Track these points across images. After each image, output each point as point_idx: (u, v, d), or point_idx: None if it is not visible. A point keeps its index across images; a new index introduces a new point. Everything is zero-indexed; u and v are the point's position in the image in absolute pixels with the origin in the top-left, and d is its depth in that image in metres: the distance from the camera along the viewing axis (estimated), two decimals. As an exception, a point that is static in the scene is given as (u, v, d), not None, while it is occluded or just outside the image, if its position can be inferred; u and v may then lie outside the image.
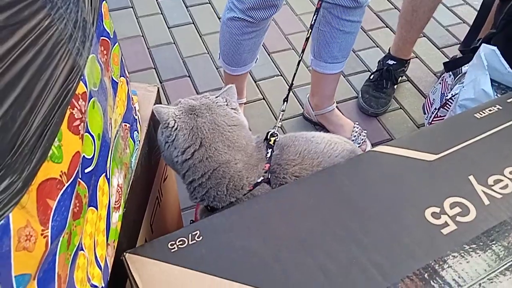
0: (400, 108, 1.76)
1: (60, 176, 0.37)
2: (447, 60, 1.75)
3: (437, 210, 0.72)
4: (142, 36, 2.04)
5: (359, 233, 0.69)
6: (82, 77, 0.42)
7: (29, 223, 0.33)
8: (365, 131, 1.60)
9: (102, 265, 0.51)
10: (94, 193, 0.48)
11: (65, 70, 0.38)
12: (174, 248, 0.66)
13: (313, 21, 1.05)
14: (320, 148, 0.86)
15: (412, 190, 0.75)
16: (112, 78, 0.55)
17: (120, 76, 0.60)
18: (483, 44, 1.16)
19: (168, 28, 2.07)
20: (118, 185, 0.58)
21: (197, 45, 2.00)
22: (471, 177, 0.77)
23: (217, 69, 1.89)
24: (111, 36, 0.54)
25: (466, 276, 0.63)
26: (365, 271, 0.64)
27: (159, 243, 0.67)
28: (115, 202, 0.57)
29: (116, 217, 0.58)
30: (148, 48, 1.98)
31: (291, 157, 0.83)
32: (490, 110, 0.90)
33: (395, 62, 1.73)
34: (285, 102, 0.99)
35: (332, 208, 0.73)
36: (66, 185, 0.38)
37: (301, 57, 1.05)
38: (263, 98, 1.77)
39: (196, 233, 0.69)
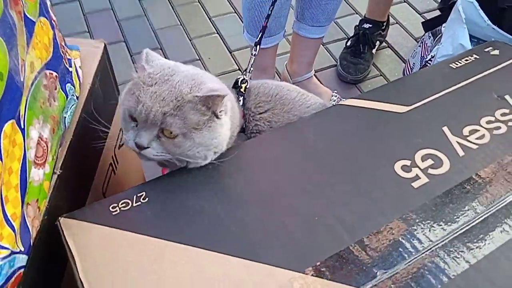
0: (380, 75, 1.70)
1: None
2: (428, 23, 1.68)
3: (408, 163, 0.66)
4: (112, 9, 1.94)
5: (324, 187, 0.62)
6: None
7: None
8: (344, 100, 1.53)
9: (16, 225, 0.44)
10: (-5, 139, 0.41)
11: None
12: (116, 210, 0.60)
13: None
14: (292, 95, 0.81)
15: (381, 143, 0.69)
16: (25, 14, 0.48)
17: (40, 16, 0.52)
18: (461, -3, 1.09)
19: (139, 0, 1.98)
20: (40, 138, 0.51)
21: (169, 17, 1.91)
22: (445, 128, 0.71)
23: (190, 40, 1.81)
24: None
25: (439, 231, 0.57)
26: (329, 227, 0.58)
27: (99, 205, 0.61)
28: (37, 157, 0.50)
29: (39, 174, 0.51)
30: (117, 21, 1.89)
31: (262, 98, 0.78)
32: (466, 60, 0.84)
33: (370, 25, 1.66)
34: (258, 46, 0.92)
35: (296, 163, 0.66)
36: None
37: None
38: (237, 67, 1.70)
39: (142, 195, 0.62)
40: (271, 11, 0.98)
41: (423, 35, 1.59)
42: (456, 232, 0.57)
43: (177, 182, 0.63)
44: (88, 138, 0.71)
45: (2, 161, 0.41)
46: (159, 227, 0.58)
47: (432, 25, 1.29)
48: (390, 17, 1.76)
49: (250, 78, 0.84)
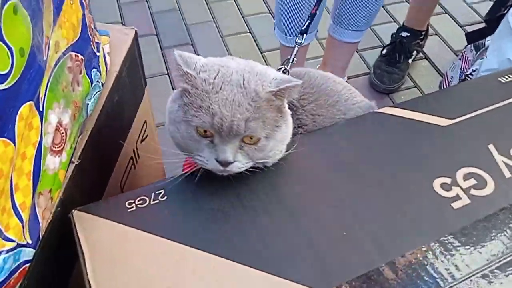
0: (415, 86, 1.63)
1: None
2: (470, 36, 1.60)
3: (448, 181, 0.60)
4: (146, 1, 1.94)
5: (355, 201, 0.58)
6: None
7: None
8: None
9: (24, 216, 0.41)
10: (9, 121, 0.38)
11: None
12: (132, 207, 0.56)
13: None
14: (338, 88, 0.73)
15: (420, 157, 0.64)
16: (54, -11, 0.45)
17: (69, -6, 0.49)
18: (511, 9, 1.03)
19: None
20: (59, 124, 0.48)
21: (202, 13, 1.89)
22: (490, 146, 0.65)
23: (222, 38, 1.78)
24: None
25: (479, 259, 0.52)
26: (358, 244, 0.53)
27: (115, 201, 0.57)
28: (54, 144, 0.47)
29: (55, 162, 0.48)
30: (151, 13, 1.88)
31: (306, 90, 0.70)
32: (517, 75, 0.78)
33: (408, 34, 1.60)
34: (304, 35, 0.85)
35: (326, 173, 0.62)
36: None
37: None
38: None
39: (161, 192, 0.58)
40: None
41: (464, 48, 1.53)
42: (499, 261, 0.52)
43: (200, 183, 0.59)
44: (110, 129, 0.68)
45: (15, 145, 0.38)
46: (176, 229, 0.54)
47: (476, 37, 1.23)
48: (429, 27, 1.70)
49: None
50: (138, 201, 0.57)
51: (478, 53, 1.37)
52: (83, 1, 0.54)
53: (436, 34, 1.82)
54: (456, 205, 0.58)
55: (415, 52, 1.65)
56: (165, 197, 0.58)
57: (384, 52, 1.64)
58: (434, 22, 1.84)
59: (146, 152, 0.86)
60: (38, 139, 0.43)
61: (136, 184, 0.81)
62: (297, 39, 0.84)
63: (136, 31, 0.76)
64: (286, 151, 0.60)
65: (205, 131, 0.53)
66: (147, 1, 1.93)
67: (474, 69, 1.31)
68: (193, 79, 0.53)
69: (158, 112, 1.49)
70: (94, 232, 0.53)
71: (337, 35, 1.38)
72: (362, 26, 1.34)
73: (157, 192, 0.58)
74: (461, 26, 1.86)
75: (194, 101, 0.53)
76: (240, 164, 0.54)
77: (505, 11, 1.09)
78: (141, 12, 1.88)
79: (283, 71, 0.72)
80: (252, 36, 1.79)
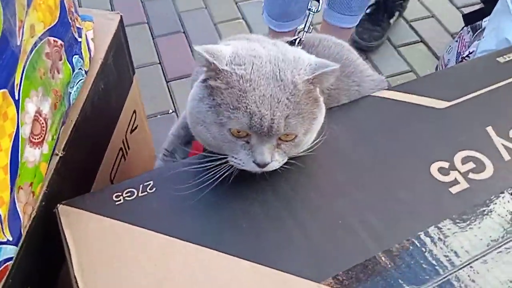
0: (411, 70, 1.61)
1: None
2: (466, 18, 1.58)
3: (446, 165, 0.59)
4: (136, -12, 1.89)
5: (349, 188, 0.56)
6: None
7: None
8: None
9: (2, 212, 0.39)
10: (-20, 111, 0.35)
11: None
12: (120, 200, 0.54)
13: None
14: (353, 57, 0.68)
15: (416, 141, 0.62)
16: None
17: (44, -25, 0.47)
18: (509, -13, 1.00)
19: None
20: (38, 113, 0.46)
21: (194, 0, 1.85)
22: (489, 128, 0.63)
23: (214, 25, 1.75)
24: None
25: (479, 244, 0.50)
26: (354, 232, 0.51)
27: (101, 194, 0.55)
28: (34, 134, 0.45)
29: (35, 154, 0.46)
30: (141, 1, 1.84)
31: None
32: (516, 54, 0.76)
33: None
34: (319, 1, 0.78)
35: (320, 159, 0.60)
36: None
37: None
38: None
39: (149, 184, 0.56)
40: None
41: (461, 30, 1.50)
42: (499, 246, 0.50)
43: (190, 173, 0.57)
44: (96, 119, 0.66)
45: (-13, 137, 0.36)
46: (165, 222, 0.52)
47: (473, 19, 1.20)
48: (425, 9, 1.68)
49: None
50: (126, 193, 0.55)
51: (475, 34, 1.35)
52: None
53: (432, 17, 1.78)
54: (454, 189, 0.56)
55: (397, 13, 1.69)
56: (154, 189, 0.56)
57: (368, 11, 1.65)
58: (431, 4, 1.81)
59: (137, 143, 0.84)
60: (15, 130, 0.41)
61: (127, 176, 0.78)
62: (311, 5, 0.78)
63: (121, 16, 0.73)
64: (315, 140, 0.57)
65: (239, 132, 0.49)
66: (137, -12, 1.89)
67: (471, 51, 1.28)
68: (229, 77, 0.48)
69: (150, 103, 1.47)
70: (80, 227, 0.51)
71: (332, 20, 1.36)
72: (356, 10, 1.32)
73: (145, 184, 0.56)
74: (458, 8, 1.83)
75: (228, 101, 0.48)
76: (276, 163, 0.52)
77: (503, -10, 1.06)
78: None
79: (297, 42, 0.66)
80: (245, 22, 1.76)
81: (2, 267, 0.41)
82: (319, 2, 0.78)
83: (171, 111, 1.44)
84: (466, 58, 1.30)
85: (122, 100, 0.77)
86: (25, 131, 0.43)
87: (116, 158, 0.75)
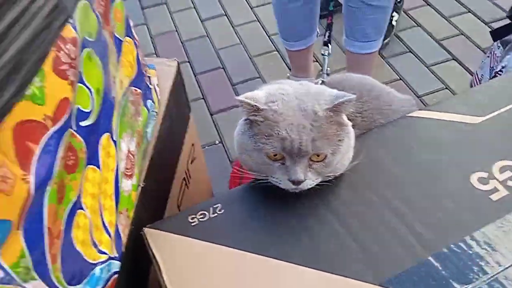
0: (446, 88, 1.65)
1: (44, 119, 0.34)
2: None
3: (485, 175, 0.64)
4: (176, 31, 2.04)
5: (395, 200, 0.62)
6: (70, 21, 0.39)
7: (5, 164, 0.30)
8: None
9: (112, 232, 0.48)
10: (95, 151, 0.45)
11: (46, 7, 0.36)
12: (195, 221, 0.63)
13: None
14: (377, 83, 0.77)
15: (454, 155, 0.67)
16: (114, 34, 0.52)
17: (126, 36, 0.57)
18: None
19: (201, 21, 2.06)
20: (129, 151, 0.55)
21: (230, 37, 1.97)
22: (523, 139, 0.68)
23: (250, 58, 1.86)
24: (112, -10, 0.51)
25: None
26: (402, 239, 0.57)
27: (179, 217, 0.64)
28: (126, 168, 0.54)
29: (128, 185, 0.55)
30: (182, 43, 1.98)
31: (348, 91, 0.75)
32: (545, 68, 0.81)
33: None
34: (328, 45, 0.89)
35: (363, 176, 0.66)
36: (51, 130, 0.35)
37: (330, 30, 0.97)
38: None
39: (218, 206, 0.64)
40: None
41: (492, 45, 1.54)
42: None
43: (249, 194, 0.65)
44: (165, 153, 0.75)
45: (100, 171, 0.45)
46: (235, 238, 0.60)
47: (501, 34, 1.25)
48: (454, 27, 1.73)
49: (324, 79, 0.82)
50: (199, 215, 0.63)
51: (506, 49, 1.39)
52: (135, 41, 0.62)
53: (462, 34, 1.83)
54: (494, 197, 0.61)
55: (395, 14, 1.77)
56: (222, 210, 0.64)
57: None
58: (458, 22, 1.86)
59: (196, 173, 0.93)
60: (115, 166, 0.50)
61: (190, 202, 0.88)
62: (323, 51, 0.88)
63: (178, 62, 0.83)
64: (352, 162, 0.65)
65: (275, 155, 0.59)
66: (176, 30, 2.03)
67: (503, 65, 1.32)
68: (264, 112, 0.59)
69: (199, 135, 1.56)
70: (165, 246, 0.60)
71: (352, 48, 1.41)
72: (373, 36, 1.36)
73: (214, 206, 0.64)
74: (486, 24, 1.86)
75: (264, 130, 0.58)
76: (310, 181, 0.60)
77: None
78: (172, 42, 1.98)
79: (321, 83, 0.76)
80: (279, 54, 1.86)
81: (112, 278, 0.49)
82: (328, 46, 0.87)
83: (217, 142, 1.54)
84: (499, 72, 1.34)
85: (183, 135, 0.86)
86: (121, 166, 0.52)
87: (181, 187, 0.84)
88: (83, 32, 0.42)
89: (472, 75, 1.61)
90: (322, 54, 0.87)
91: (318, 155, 0.59)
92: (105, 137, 0.47)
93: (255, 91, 0.63)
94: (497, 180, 0.63)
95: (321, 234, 0.59)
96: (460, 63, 1.73)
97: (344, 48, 1.48)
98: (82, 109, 0.41)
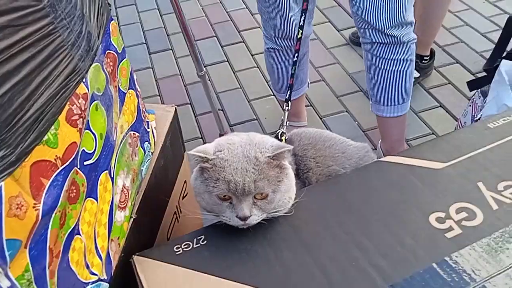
0: (432, 133, 1.74)
1: (55, 159, 0.43)
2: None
3: (442, 215, 0.71)
4: (180, 74, 2.15)
5: (361, 236, 0.69)
6: (84, 80, 0.48)
7: (21, 194, 0.38)
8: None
9: (103, 256, 0.55)
10: (94, 186, 0.53)
11: (66, 70, 0.45)
12: (179, 250, 0.70)
13: (301, 21, 1.03)
14: (332, 135, 0.89)
15: (417, 196, 0.75)
16: (119, 88, 0.62)
17: (129, 89, 0.66)
18: (503, 60, 1.15)
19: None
20: (123, 186, 0.63)
21: (230, 81, 2.08)
22: (480, 184, 0.75)
23: (249, 102, 1.96)
24: (119, 51, 0.61)
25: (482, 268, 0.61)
26: (364, 271, 0.64)
27: (165, 246, 0.71)
28: (120, 201, 0.62)
29: (121, 216, 0.63)
30: (185, 85, 2.09)
31: (305, 142, 0.86)
32: (504, 120, 0.89)
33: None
34: (289, 102, 0.99)
35: (335, 214, 0.74)
36: (60, 168, 0.43)
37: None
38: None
39: (201, 238, 0.72)
40: (294, 70, 1.05)
41: (473, 95, 1.64)
42: (486, 279, 0.61)
43: (232, 228, 0.73)
44: (158, 189, 0.83)
45: (97, 203, 0.53)
46: (215, 266, 0.67)
47: (476, 85, 1.34)
48: (442, 76, 1.82)
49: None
50: (184, 245, 0.71)
51: (485, 99, 1.48)
52: (137, 92, 0.71)
53: (449, 83, 1.94)
54: (449, 235, 0.68)
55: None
56: (205, 241, 0.71)
57: None
58: (446, 71, 1.97)
59: (187, 208, 1.00)
60: (111, 199, 0.58)
61: (180, 235, 0.94)
62: (284, 106, 0.99)
63: (176, 108, 0.93)
64: (295, 200, 0.74)
65: (224, 196, 0.68)
66: (180, 74, 2.15)
67: (481, 114, 1.41)
68: (213, 160, 0.68)
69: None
70: (151, 271, 0.67)
71: (380, 112, 1.42)
72: (400, 99, 1.36)
73: (198, 238, 0.72)
74: (473, 74, 1.97)
75: (213, 175, 0.68)
76: (256, 217, 0.68)
77: (499, 62, 1.21)
78: (176, 84, 2.09)
79: (280, 135, 0.89)
80: (276, 98, 1.96)
81: (102, 299, 0.56)
82: (288, 105, 0.99)
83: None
84: (478, 121, 1.43)
85: (176, 172, 0.95)
86: (116, 199, 0.60)
87: (171, 220, 0.91)
88: (93, 88, 0.51)
89: (457, 121, 1.70)
90: (283, 109, 0.99)
91: (261, 194, 0.68)
92: (104, 174, 0.55)
93: (206, 144, 0.74)
94: (453, 220, 0.70)
95: (292, 264, 0.66)
96: (447, 111, 1.82)
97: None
98: (86, 150, 0.50)
